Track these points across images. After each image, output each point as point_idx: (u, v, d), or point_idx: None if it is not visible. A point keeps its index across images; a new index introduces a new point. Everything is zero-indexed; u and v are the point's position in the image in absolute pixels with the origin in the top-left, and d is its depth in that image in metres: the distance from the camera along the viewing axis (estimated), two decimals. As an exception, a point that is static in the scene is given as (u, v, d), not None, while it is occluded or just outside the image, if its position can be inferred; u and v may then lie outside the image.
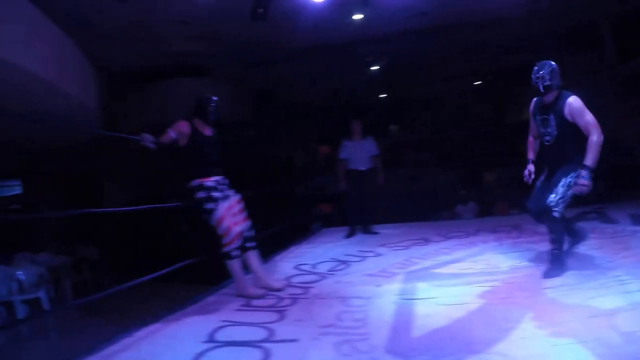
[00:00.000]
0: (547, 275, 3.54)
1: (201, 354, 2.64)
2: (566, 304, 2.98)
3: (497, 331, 2.66)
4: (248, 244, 3.85)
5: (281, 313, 3.26)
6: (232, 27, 9.46)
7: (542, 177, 3.94)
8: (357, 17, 9.54)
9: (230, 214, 3.80)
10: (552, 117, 3.65)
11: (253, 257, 3.88)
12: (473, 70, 13.05)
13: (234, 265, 3.78)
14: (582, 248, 4.35)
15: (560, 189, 3.58)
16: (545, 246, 4.60)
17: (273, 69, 11.24)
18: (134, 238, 10.69)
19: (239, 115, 11.46)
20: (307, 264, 4.48)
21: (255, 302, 3.58)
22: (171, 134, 3.90)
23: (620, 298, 2.96)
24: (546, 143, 3.78)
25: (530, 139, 4.06)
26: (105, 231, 12.09)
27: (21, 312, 8.45)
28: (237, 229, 3.78)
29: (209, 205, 3.78)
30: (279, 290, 3.80)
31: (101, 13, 8.65)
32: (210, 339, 2.85)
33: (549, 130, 3.70)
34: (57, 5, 7.42)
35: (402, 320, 2.98)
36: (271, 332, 2.91)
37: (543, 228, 5.47)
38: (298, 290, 3.76)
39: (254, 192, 5.92)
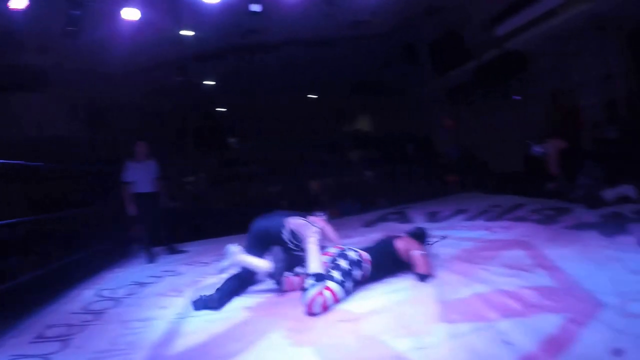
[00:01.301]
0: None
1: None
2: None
3: (247, 344, 2.93)
4: None
5: (66, 342, 3.57)
6: (60, 42, 9.34)
7: None
8: (186, 33, 9.98)
9: None
10: None
11: None
12: (307, 84, 14.13)
13: None
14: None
15: None
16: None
17: (108, 85, 11.22)
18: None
19: (72, 131, 11.31)
20: (108, 289, 4.86)
21: (48, 333, 3.85)
22: None
23: (375, 301, 3.29)
24: None
25: None
26: None
27: None
28: None
29: None
30: None
31: None
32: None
33: None
34: None
35: (167, 340, 3.31)
36: (48, 362, 3.24)
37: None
38: (90, 317, 4.10)
39: (72, 213, 6.00)
